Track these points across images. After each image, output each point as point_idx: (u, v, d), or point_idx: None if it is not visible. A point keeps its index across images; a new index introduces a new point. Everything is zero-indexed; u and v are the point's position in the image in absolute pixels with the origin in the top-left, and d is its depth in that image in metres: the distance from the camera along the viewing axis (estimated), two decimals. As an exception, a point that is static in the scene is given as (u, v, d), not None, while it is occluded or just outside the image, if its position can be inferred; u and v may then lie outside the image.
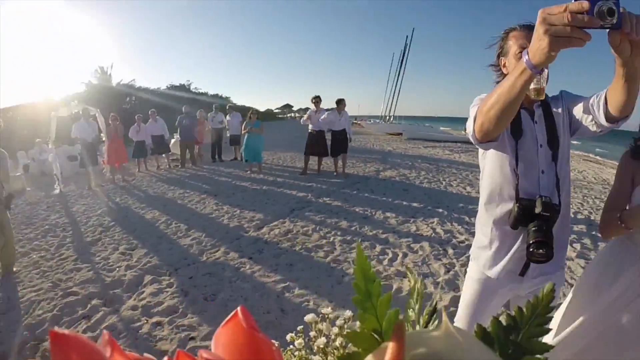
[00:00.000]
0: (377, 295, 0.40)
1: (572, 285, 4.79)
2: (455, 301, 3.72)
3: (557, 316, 2.18)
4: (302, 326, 0.80)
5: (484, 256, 2.07)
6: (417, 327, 0.49)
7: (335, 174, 11.58)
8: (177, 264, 5.09)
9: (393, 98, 39.14)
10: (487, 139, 1.73)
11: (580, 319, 2.04)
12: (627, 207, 2.00)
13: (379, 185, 10.19)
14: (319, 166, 11.75)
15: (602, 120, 1.67)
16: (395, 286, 4.40)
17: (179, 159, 14.09)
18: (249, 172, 12.07)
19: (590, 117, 1.76)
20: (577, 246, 5.61)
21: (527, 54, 1.26)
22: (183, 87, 48.69)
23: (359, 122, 44.35)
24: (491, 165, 2.01)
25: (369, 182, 10.66)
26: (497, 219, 1.99)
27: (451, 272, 4.77)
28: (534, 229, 1.79)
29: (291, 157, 14.60)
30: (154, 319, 3.76)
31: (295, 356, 0.76)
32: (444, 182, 10.61)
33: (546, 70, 1.73)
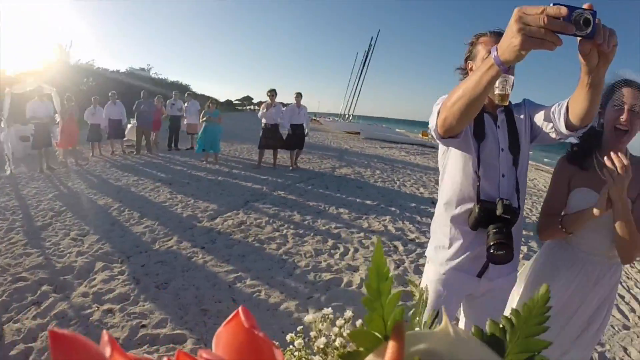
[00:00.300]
0: (387, 294, 0.40)
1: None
2: (404, 297, 3.86)
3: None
4: (301, 326, 0.80)
5: (442, 256, 2.08)
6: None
7: (291, 168, 11.68)
8: (129, 252, 5.09)
9: (353, 98, 39.61)
10: (449, 135, 1.76)
11: None
12: (564, 211, 2.08)
13: (334, 181, 10.36)
14: (274, 160, 11.81)
15: (562, 128, 1.73)
16: (345, 279, 4.56)
17: (134, 145, 13.85)
18: (204, 162, 12.03)
19: (551, 124, 1.82)
20: (524, 248, 5.91)
21: (497, 50, 1.30)
22: (143, 71, 47.81)
23: (318, 119, 44.56)
24: (453, 166, 2.04)
25: (324, 178, 10.83)
26: (456, 219, 2.03)
27: (400, 268, 4.96)
28: (494, 230, 1.83)
29: (248, 149, 14.62)
30: (105, 306, 3.77)
31: (295, 356, 0.76)
32: (397, 182, 10.85)
33: (512, 77, 1.76)
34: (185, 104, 14.59)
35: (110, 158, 12.54)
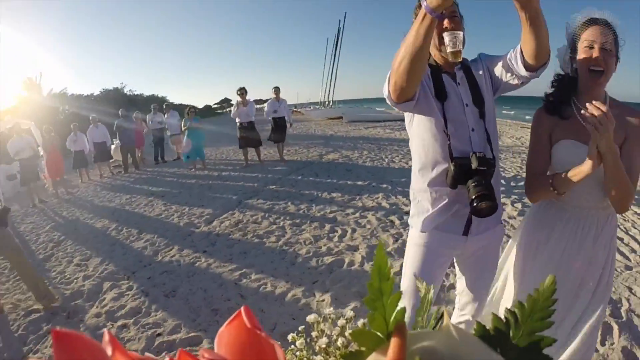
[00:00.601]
0: (389, 294, 0.39)
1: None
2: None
3: (504, 276, 2.28)
4: (303, 326, 0.81)
5: (425, 219, 2.08)
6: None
7: (282, 162, 11.76)
8: (133, 267, 5.19)
9: (330, 83, 39.62)
10: (403, 99, 1.79)
11: (522, 277, 2.14)
12: (549, 169, 2.01)
13: (322, 168, 10.46)
14: (259, 156, 11.85)
15: (522, 71, 1.79)
16: (347, 260, 4.69)
17: (121, 164, 13.86)
18: (193, 169, 12.08)
19: (510, 71, 1.88)
20: (519, 205, 6.07)
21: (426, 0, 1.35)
22: (117, 91, 47.36)
23: (299, 109, 44.49)
24: (420, 130, 2.04)
25: (313, 166, 10.92)
26: (434, 181, 2.02)
27: (399, 241, 5.08)
28: (473, 184, 1.84)
29: (234, 150, 14.64)
30: (119, 322, 3.88)
31: (296, 356, 0.76)
32: (386, 160, 10.96)
33: (461, 33, 1.80)
34: (165, 116, 14.56)
35: (100, 181, 12.56)
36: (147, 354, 0.37)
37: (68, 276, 5.21)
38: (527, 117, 26.65)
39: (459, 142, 1.95)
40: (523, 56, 1.75)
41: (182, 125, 12.36)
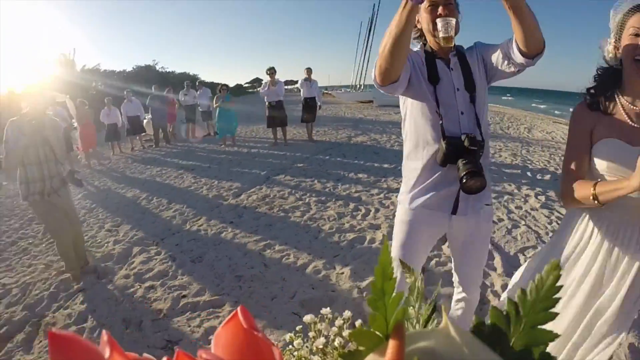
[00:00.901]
0: (390, 294, 0.39)
1: (509, 221, 5.18)
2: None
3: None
4: (300, 326, 0.81)
5: (413, 196, 2.14)
6: (417, 325, 0.49)
7: (311, 142, 11.86)
8: (162, 235, 5.35)
9: (363, 67, 39.24)
10: (389, 81, 1.84)
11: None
12: (589, 171, 1.79)
13: (351, 150, 10.48)
14: (284, 135, 11.90)
15: (518, 58, 1.80)
16: (368, 237, 4.75)
17: (152, 139, 14.10)
18: (222, 145, 12.24)
19: (506, 59, 1.89)
20: (542, 198, 6.02)
21: None
22: (149, 68, 47.99)
23: (330, 92, 44.36)
24: (413, 112, 2.10)
25: (341, 147, 10.95)
26: (424, 161, 2.07)
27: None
28: (464, 162, 1.90)
29: (264, 129, 14.71)
30: (147, 284, 4.03)
31: (294, 356, 0.76)
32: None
33: (453, 20, 1.84)
34: (198, 92, 14.72)
35: (131, 154, 12.80)
36: (145, 354, 0.37)
37: (99, 240, 5.40)
38: (556, 111, 26.24)
39: (449, 123, 2.01)
40: (517, 44, 1.76)
41: (214, 102, 12.49)
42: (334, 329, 0.73)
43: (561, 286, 0.40)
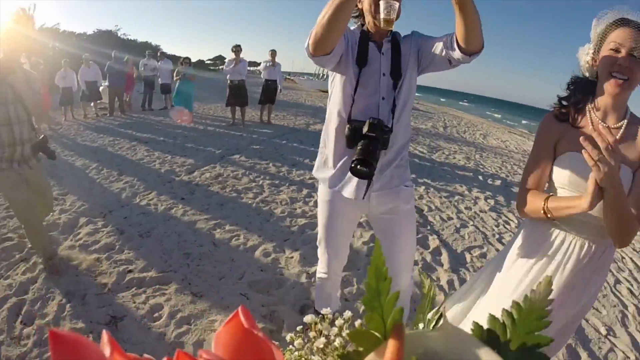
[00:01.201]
0: (386, 294, 0.39)
1: (458, 220, 5.35)
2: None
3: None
4: (301, 326, 0.80)
5: (329, 176, 2.22)
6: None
7: (262, 123, 11.89)
8: (111, 206, 5.25)
9: (327, 56, 39.30)
10: (321, 52, 1.84)
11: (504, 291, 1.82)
12: (550, 184, 1.77)
13: (309, 136, 10.53)
14: (243, 116, 11.79)
15: (456, 53, 1.84)
16: (318, 223, 4.80)
17: (107, 107, 13.73)
18: (179, 120, 12.04)
19: (444, 52, 1.92)
20: (491, 201, 6.33)
21: None
22: (110, 33, 46.51)
23: (292, 78, 44.19)
24: (336, 90, 2.13)
25: (298, 133, 11.02)
26: (336, 138, 2.14)
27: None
28: (360, 147, 1.95)
29: (222, 108, 14.55)
30: (92, 256, 3.96)
31: (294, 356, 0.75)
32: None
33: (397, 4, 1.82)
34: (159, 63, 14.42)
35: (84, 121, 12.38)
36: (145, 355, 0.37)
37: (45, 208, 5.24)
38: (508, 122, 27.02)
39: (364, 106, 2.06)
40: (457, 40, 1.80)
41: (174, 74, 12.26)
42: (334, 329, 0.72)
43: (552, 300, 0.43)
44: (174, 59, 16.33)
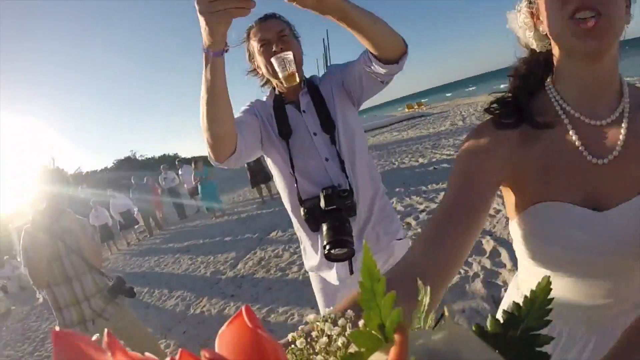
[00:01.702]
0: (381, 295, 0.38)
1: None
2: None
3: None
4: (302, 325, 0.74)
5: (308, 262, 1.99)
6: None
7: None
8: (168, 325, 5.35)
9: (331, 101, 39.67)
10: (224, 156, 1.56)
11: None
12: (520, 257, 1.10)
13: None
14: (269, 191, 11.83)
15: (379, 68, 1.55)
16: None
17: (145, 230, 14.15)
18: (213, 218, 12.30)
19: (368, 71, 1.63)
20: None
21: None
22: (129, 159, 48.50)
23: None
24: (274, 173, 1.92)
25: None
26: (300, 223, 1.89)
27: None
28: (326, 229, 1.67)
29: (250, 190, 14.84)
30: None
31: (296, 356, 0.65)
32: (396, 163, 10.95)
33: (290, 54, 1.60)
34: (180, 171, 14.84)
35: (128, 249, 12.82)
36: (147, 353, 0.34)
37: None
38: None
39: (310, 179, 1.80)
40: (372, 54, 1.52)
41: (193, 179, 12.60)
42: (337, 328, 0.69)
43: (552, 298, 0.41)
44: (195, 160, 16.79)
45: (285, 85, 1.69)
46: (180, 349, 0.31)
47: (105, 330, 0.30)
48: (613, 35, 0.84)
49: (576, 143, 0.92)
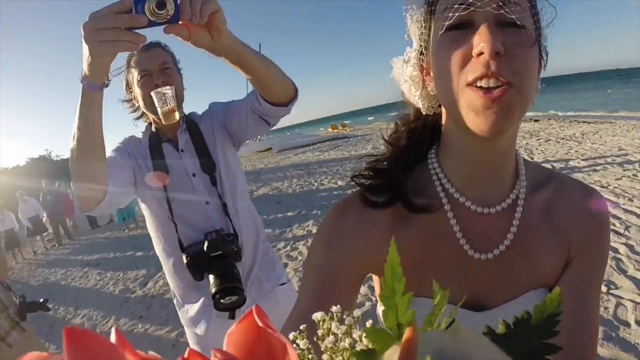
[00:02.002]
0: (400, 294, 0.38)
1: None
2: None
3: None
4: (304, 325, 0.72)
5: (193, 317, 1.80)
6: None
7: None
8: (72, 347, 5.15)
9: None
10: (96, 200, 1.43)
11: None
12: None
13: (256, 203, 10.45)
14: None
15: (268, 110, 1.54)
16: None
17: (54, 237, 13.53)
18: (126, 230, 12.00)
19: (255, 115, 1.61)
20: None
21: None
22: (43, 158, 46.29)
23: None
24: (149, 220, 1.78)
25: (244, 203, 10.97)
26: (177, 276, 1.76)
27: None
28: (213, 277, 1.58)
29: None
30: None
31: (303, 354, 0.61)
32: (315, 184, 11.21)
33: (169, 88, 1.53)
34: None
35: (34, 259, 12.19)
36: (150, 352, 0.32)
37: (6, 367, 5.13)
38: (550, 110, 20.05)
39: (191, 225, 1.70)
40: (260, 95, 1.50)
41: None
42: (343, 327, 0.67)
43: (561, 311, 0.41)
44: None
45: (163, 122, 1.59)
46: (188, 349, 0.30)
47: (114, 328, 0.29)
48: (520, 111, 0.66)
49: (457, 235, 0.78)
